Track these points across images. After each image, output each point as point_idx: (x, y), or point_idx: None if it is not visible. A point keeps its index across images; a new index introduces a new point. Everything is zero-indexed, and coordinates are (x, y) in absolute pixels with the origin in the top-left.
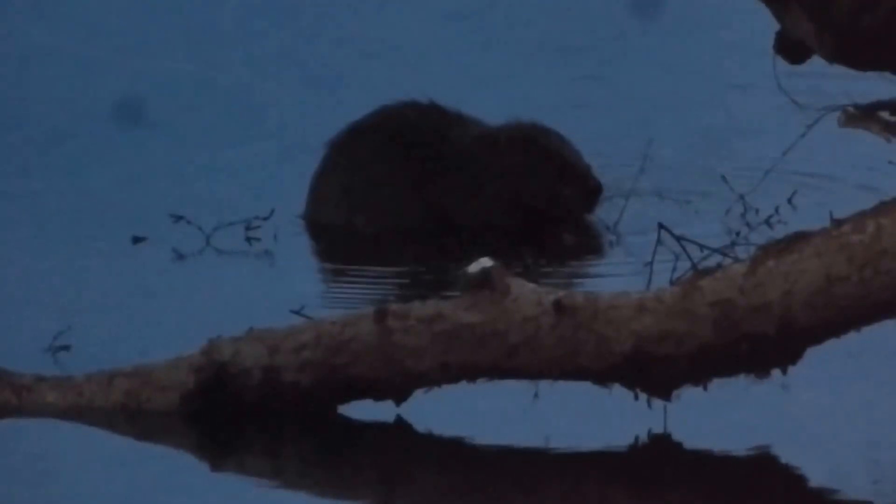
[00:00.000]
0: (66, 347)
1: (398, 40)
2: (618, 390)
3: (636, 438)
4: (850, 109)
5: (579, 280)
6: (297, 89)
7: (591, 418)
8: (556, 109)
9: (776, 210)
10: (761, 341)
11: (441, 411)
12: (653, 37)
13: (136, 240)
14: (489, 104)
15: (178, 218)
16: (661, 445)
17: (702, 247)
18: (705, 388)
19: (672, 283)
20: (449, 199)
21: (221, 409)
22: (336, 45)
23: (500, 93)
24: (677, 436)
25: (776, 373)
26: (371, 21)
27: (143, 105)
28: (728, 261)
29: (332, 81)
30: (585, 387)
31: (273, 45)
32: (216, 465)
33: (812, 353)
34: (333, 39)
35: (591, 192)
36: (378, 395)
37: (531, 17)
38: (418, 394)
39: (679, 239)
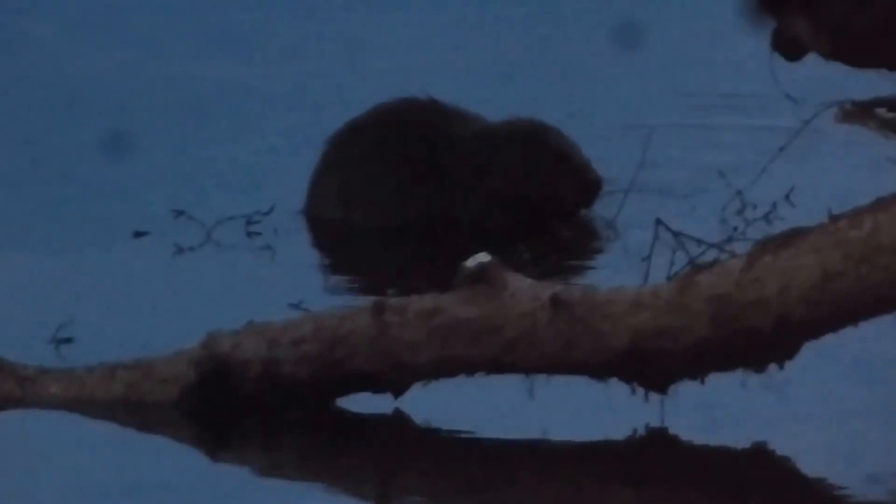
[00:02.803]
0: (68, 340)
1: (397, 38)
2: (615, 384)
3: (634, 431)
4: (847, 106)
5: (577, 275)
6: (298, 85)
7: (589, 412)
8: (554, 107)
9: (774, 206)
10: (758, 336)
11: (439, 404)
12: (651, 35)
13: (138, 234)
14: (489, 101)
15: (180, 213)
16: (658, 439)
17: (699, 242)
18: (702, 383)
19: (669, 278)
20: (447, 194)
21: (221, 401)
22: (336, 42)
23: (499, 90)
24: (674, 429)
25: (773, 367)
26: (370, 18)
27: (143, 101)
28: (725, 256)
29: (332, 78)
30: (583, 381)
31: (273, 41)
32: (215, 457)
33: (809, 349)
34: (333, 36)
35: (590, 186)
36: (376, 388)
37: (529, 14)
38: (417, 386)
39: (676, 234)
